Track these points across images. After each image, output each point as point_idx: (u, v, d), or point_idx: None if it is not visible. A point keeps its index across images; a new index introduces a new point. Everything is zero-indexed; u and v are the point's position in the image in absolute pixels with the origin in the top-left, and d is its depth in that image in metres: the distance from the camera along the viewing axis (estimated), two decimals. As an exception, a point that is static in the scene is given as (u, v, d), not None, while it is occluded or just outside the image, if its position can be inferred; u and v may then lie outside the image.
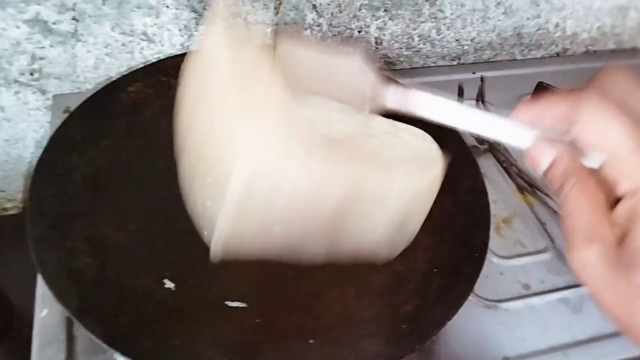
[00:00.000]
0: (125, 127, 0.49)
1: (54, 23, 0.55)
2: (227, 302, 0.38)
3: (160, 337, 0.35)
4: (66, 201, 0.42)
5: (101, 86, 0.55)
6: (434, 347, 0.42)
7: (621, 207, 0.23)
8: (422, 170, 0.38)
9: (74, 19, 0.55)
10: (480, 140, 0.57)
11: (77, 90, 0.61)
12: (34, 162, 0.67)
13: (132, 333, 0.35)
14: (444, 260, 0.41)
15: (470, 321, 0.43)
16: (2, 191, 0.68)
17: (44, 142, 0.65)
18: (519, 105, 0.27)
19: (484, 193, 0.45)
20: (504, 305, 0.46)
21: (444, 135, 0.51)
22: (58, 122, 0.55)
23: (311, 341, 0.36)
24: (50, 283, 0.35)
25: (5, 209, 0.70)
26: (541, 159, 0.25)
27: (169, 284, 0.39)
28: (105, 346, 0.33)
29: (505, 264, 0.49)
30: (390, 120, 0.53)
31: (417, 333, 0.36)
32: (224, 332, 0.36)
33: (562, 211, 0.24)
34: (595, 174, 0.24)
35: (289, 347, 0.36)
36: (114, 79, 0.53)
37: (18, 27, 0.54)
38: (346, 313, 0.38)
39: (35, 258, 0.36)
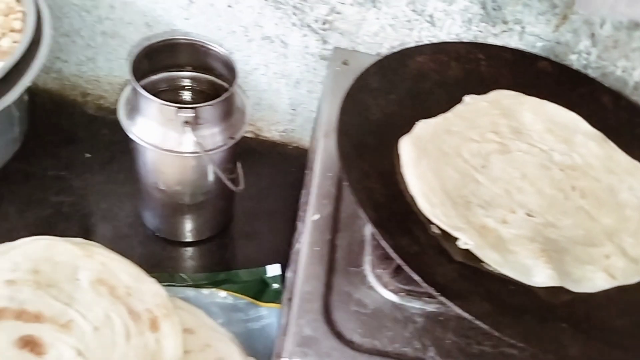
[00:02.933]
0: (409, 88, 0.54)
1: (363, -15, 0.63)
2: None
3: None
4: (361, 133, 0.48)
5: (376, 52, 0.62)
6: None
7: None
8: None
9: (381, -14, 0.63)
10: None
11: (350, 48, 0.68)
12: (286, 100, 0.76)
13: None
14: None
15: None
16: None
17: (303, 85, 0.74)
18: None
19: None
20: None
21: None
22: (336, 69, 0.63)
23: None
24: (354, 190, 0.41)
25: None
26: None
27: (435, 230, 0.44)
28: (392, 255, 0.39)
29: None
30: (635, 162, 0.54)
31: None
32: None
33: None
34: None
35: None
36: (406, 46, 0.59)
37: (331, -20, 0.63)
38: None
39: (344, 169, 0.43)
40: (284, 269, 0.63)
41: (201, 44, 0.55)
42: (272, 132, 0.80)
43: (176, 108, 0.49)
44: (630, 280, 0.44)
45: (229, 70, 0.56)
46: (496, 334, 0.35)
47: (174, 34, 0.55)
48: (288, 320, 0.41)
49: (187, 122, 0.50)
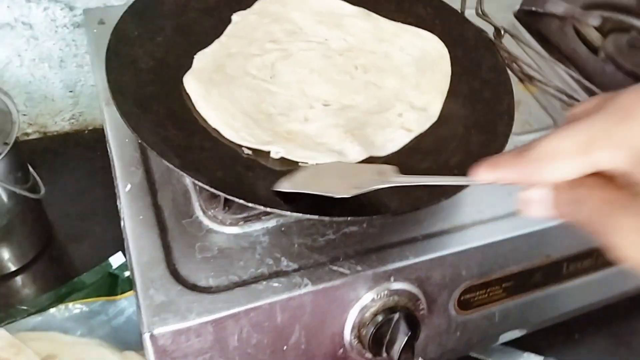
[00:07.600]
0: (174, 25, 0.52)
1: None
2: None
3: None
4: (138, 87, 0.45)
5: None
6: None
7: None
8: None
9: None
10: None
11: (102, 5, 0.63)
12: (58, 83, 0.69)
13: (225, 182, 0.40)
14: (479, 124, 0.48)
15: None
16: (24, 115, 0.70)
17: (69, 62, 0.67)
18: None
19: (503, 70, 0.52)
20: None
21: (459, 27, 0.58)
22: (95, 31, 0.57)
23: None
24: (151, 145, 0.39)
25: (26, 134, 0.72)
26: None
27: (247, 151, 0.44)
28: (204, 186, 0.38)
29: (517, 139, 0.56)
30: (399, 24, 0.59)
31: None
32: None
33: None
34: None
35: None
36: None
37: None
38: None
39: (131, 127, 0.40)
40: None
41: None
42: (60, 123, 0.72)
43: None
44: (424, 127, 0.49)
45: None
46: (327, 219, 0.38)
47: None
48: (137, 297, 0.39)
49: None
